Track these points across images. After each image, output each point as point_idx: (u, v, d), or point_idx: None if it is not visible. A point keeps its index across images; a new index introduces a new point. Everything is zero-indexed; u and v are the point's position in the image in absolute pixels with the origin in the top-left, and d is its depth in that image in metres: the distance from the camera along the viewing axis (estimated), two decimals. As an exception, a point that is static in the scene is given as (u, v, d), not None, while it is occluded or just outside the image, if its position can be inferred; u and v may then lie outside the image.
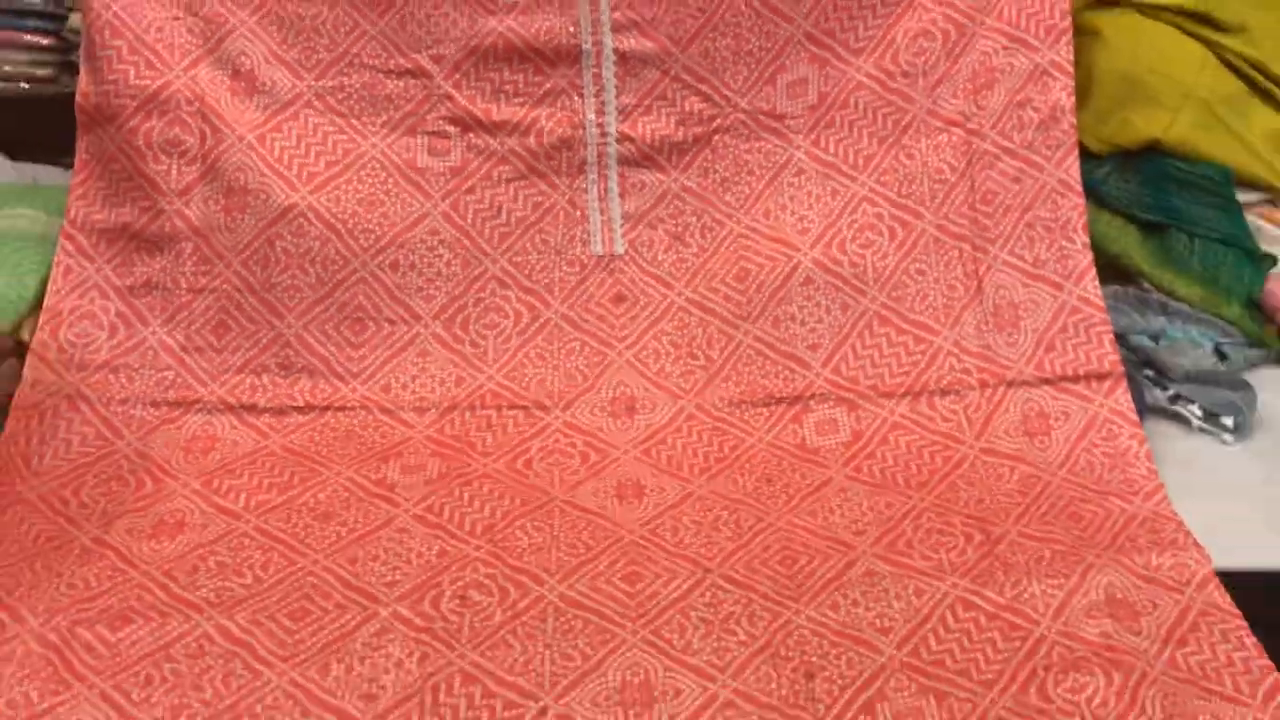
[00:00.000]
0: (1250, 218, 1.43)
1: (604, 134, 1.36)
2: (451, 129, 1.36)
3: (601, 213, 1.40)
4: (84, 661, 0.96)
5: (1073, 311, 1.31)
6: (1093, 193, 1.47)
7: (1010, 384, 1.29)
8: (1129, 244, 1.43)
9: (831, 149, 1.37)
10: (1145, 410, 1.31)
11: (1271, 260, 1.40)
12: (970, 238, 1.33)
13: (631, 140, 1.35)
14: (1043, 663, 0.98)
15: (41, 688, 0.93)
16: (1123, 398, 1.26)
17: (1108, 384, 1.27)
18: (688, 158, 1.37)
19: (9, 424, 1.19)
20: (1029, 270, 1.32)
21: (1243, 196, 1.43)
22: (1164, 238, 1.43)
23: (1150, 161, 1.45)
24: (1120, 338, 1.37)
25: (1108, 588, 1.05)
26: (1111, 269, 1.46)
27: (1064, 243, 1.33)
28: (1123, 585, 1.05)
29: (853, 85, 1.36)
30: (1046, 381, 1.29)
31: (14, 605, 1.00)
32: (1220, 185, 1.42)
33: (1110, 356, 1.28)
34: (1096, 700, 0.95)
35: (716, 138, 1.37)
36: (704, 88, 1.36)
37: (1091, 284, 1.32)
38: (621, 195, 1.38)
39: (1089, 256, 1.32)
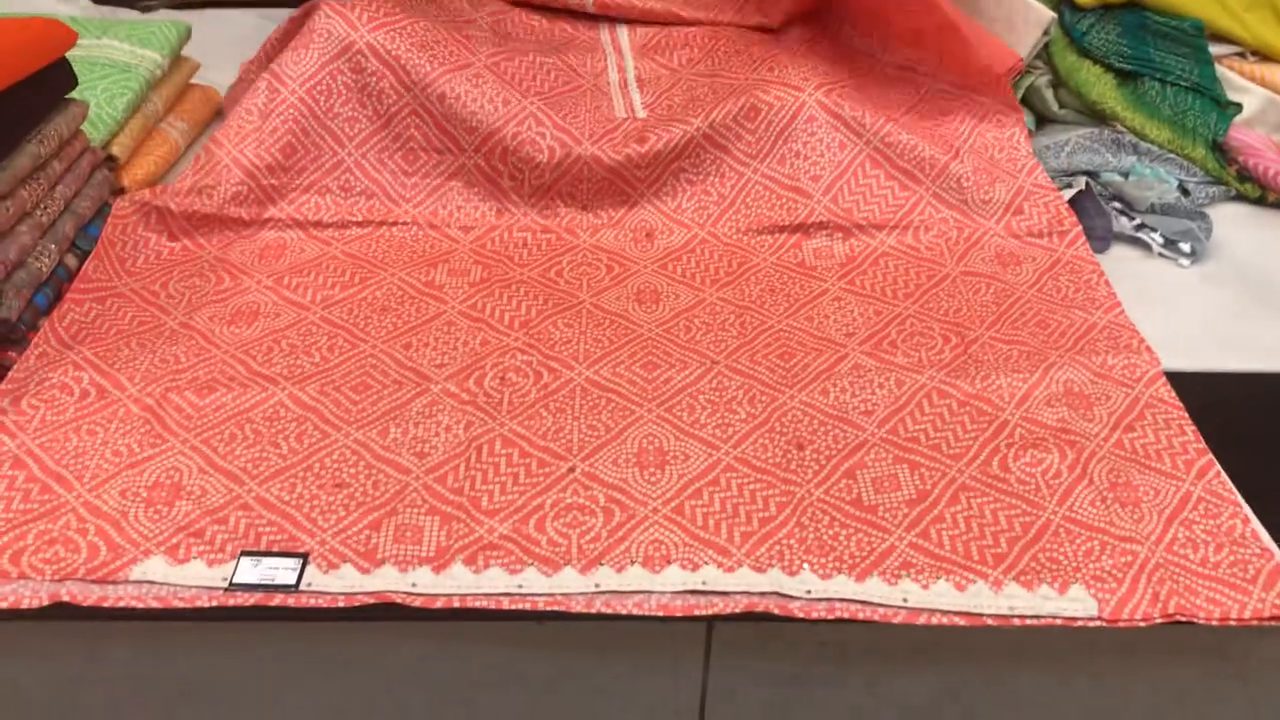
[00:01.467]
0: (1220, 69, 1.43)
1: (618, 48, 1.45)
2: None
3: (621, 87, 1.44)
4: (176, 421, 1.02)
5: (1030, 193, 1.35)
6: (1076, 44, 1.47)
7: (983, 234, 1.32)
8: (1106, 90, 1.44)
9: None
10: (1112, 237, 1.33)
11: (1237, 108, 1.41)
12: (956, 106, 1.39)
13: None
14: (1005, 441, 1.03)
15: (140, 440, 0.99)
16: (1082, 247, 1.30)
17: (1069, 237, 1.31)
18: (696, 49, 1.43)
19: (106, 230, 1.23)
20: (989, 162, 1.38)
21: (1214, 49, 1.43)
22: (1138, 85, 1.44)
23: (1130, 14, 1.45)
24: (1093, 174, 1.40)
25: (1066, 382, 1.09)
26: (1090, 113, 1.47)
27: (1011, 150, 1.40)
28: (1080, 380, 1.10)
29: None
30: (1015, 236, 1.32)
31: (114, 375, 1.06)
32: (1193, 37, 1.42)
33: (1069, 219, 1.33)
34: (1051, 472, 1.00)
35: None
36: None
37: (1041, 175, 1.38)
38: (639, 81, 1.47)
39: (1034, 161, 1.40)
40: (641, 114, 1.43)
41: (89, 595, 0.86)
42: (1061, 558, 0.92)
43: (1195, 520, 0.95)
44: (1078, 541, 0.93)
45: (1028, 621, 0.88)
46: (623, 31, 1.61)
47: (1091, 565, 0.91)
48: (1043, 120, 1.52)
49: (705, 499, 0.96)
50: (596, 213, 1.35)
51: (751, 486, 0.98)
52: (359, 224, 1.31)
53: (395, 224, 1.31)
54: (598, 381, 1.09)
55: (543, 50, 1.51)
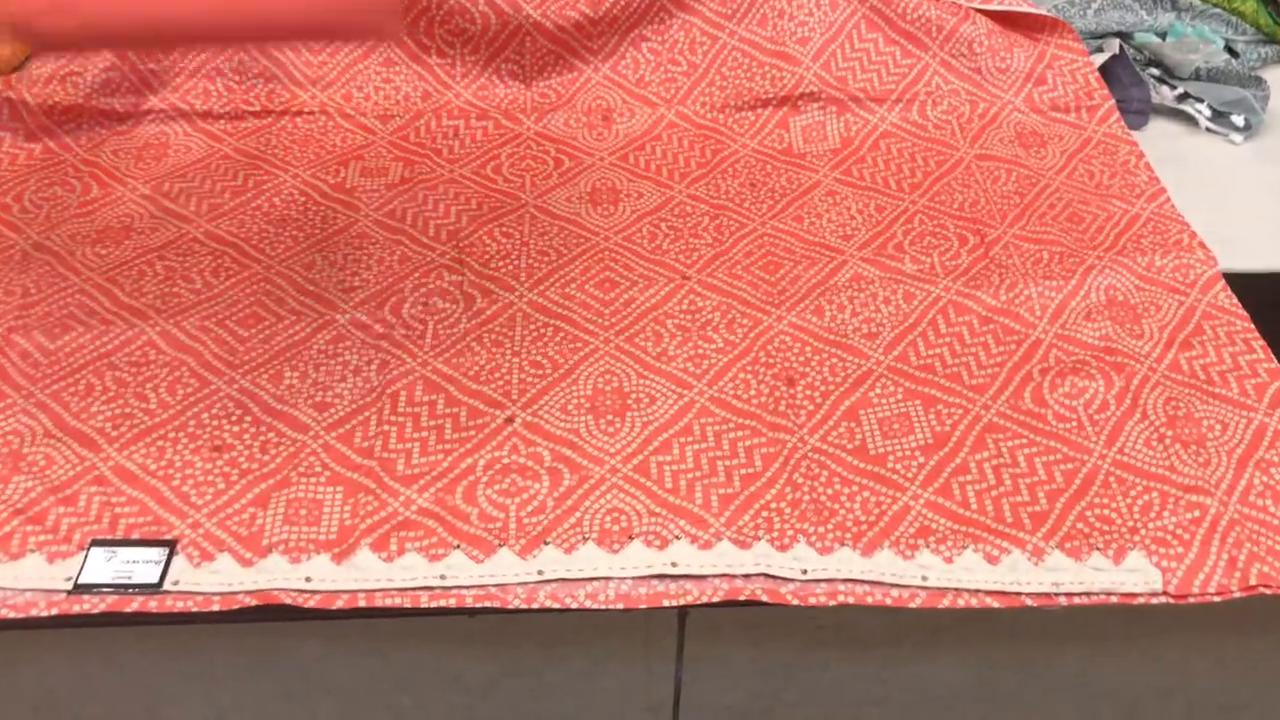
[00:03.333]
0: (1273, -95, 1.22)
1: None
2: None
3: None
4: (21, 371, 0.82)
5: (1053, 59, 1.14)
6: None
7: (1000, 109, 1.12)
8: (1142, -67, 1.22)
9: None
10: (1151, 110, 1.13)
11: (1294, -50, 1.20)
12: None
13: None
14: (1039, 366, 0.85)
15: (-28, 397, 0.80)
16: (1116, 124, 1.11)
17: (1100, 111, 1.11)
18: None
19: (-52, 131, 1.02)
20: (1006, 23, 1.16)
21: (1268, -119, 1.22)
22: (1179, -75, 1.22)
23: None
24: (1125, 35, 1.19)
25: (1108, 289, 0.91)
26: (1122, -38, 1.25)
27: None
28: (1124, 287, 0.91)
29: None
30: (1037, 111, 1.12)
31: (-55, 313, 0.86)
32: None
33: (1099, 91, 1.13)
34: (1095, 404, 0.82)
35: None
36: None
37: (1068, 37, 1.16)
38: None
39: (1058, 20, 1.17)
40: None
41: (-107, 603, 0.68)
42: (1114, 516, 0.75)
43: (1274, 461, 0.78)
44: (1133, 494, 0.76)
45: (1076, 601, 0.71)
46: None
47: (1151, 525, 0.74)
48: (1066, -29, 1.30)
49: (675, 453, 0.78)
50: (542, 91, 1.13)
51: (732, 435, 0.79)
52: (256, 114, 1.09)
53: (300, 113, 1.09)
54: (543, 306, 0.90)
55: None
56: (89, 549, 0.70)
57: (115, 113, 1.06)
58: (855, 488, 0.76)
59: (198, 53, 1.09)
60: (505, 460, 0.77)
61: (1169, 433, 0.80)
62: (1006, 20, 1.16)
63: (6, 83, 1.04)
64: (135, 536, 0.71)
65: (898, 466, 0.78)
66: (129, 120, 1.07)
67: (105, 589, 0.69)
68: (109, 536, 0.71)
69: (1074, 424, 0.80)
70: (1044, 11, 1.16)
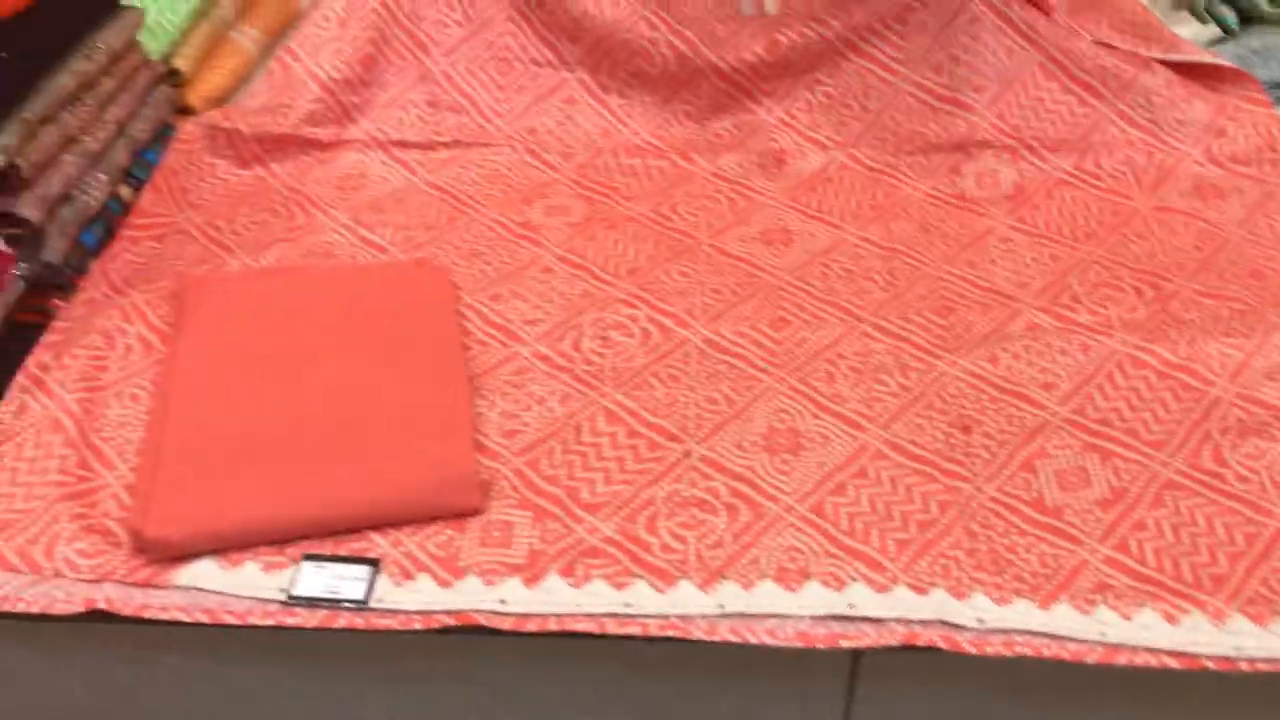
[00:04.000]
0: None
1: None
2: None
3: None
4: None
5: (1235, 111, 1.12)
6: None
7: (1179, 160, 1.11)
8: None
9: None
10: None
11: None
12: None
13: None
14: (1218, 425, 0.84)
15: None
16: None
17: None
18: None
19: (168, 157, 1.10)
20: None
21: None
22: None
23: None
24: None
25: (1293, 349, 0.90)
26: None
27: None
28: (1311, 346, 0.90)
29: None
30: (1216, 163, 1.10)
31: (164, 329, 0.93)
32: None
33: None
34: (1278, 467, 0.81)
35: None
36: None
37: (1250, 88, 1.15)
38: None
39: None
40: (772, 10, 1.21)
41: (129, 602, 0.73)
42: (1299, 581, 0.74)
43: None
44: (1319, 560, 0.75)
45: (1260, 667, 0.70)
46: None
47: (1338, 593, 0.73)
48: (1248, 19, 1.28)
49: (850, 495, 0.80)
50: (716, 131, 1.16)
51: (907, 480, 0.81)
52: (446, 145, 1.15)
53: (487, 145, 1.15)
54: (717, 343, 0.92)
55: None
56: (302, 562, 0.75)
57: (320, 142, 1.13)
58: (1032, 539, 0.77)
59: (394, 84, 1.15)
60: (684, 493, 0.80)
61: (1358, 499, 0.78)
62: (1186, 71, 1.15)
63: (224, 113, 1.11)
64: (343, 553, 0.76)
65: (1075, 520, 0.78)
66: (331, 149, 1.13)
67: (317, 603, 0.73)
68: (320, 552, 0.76)
69: (1256, 486, 0.80)
70: (1225, 62, 1.15)
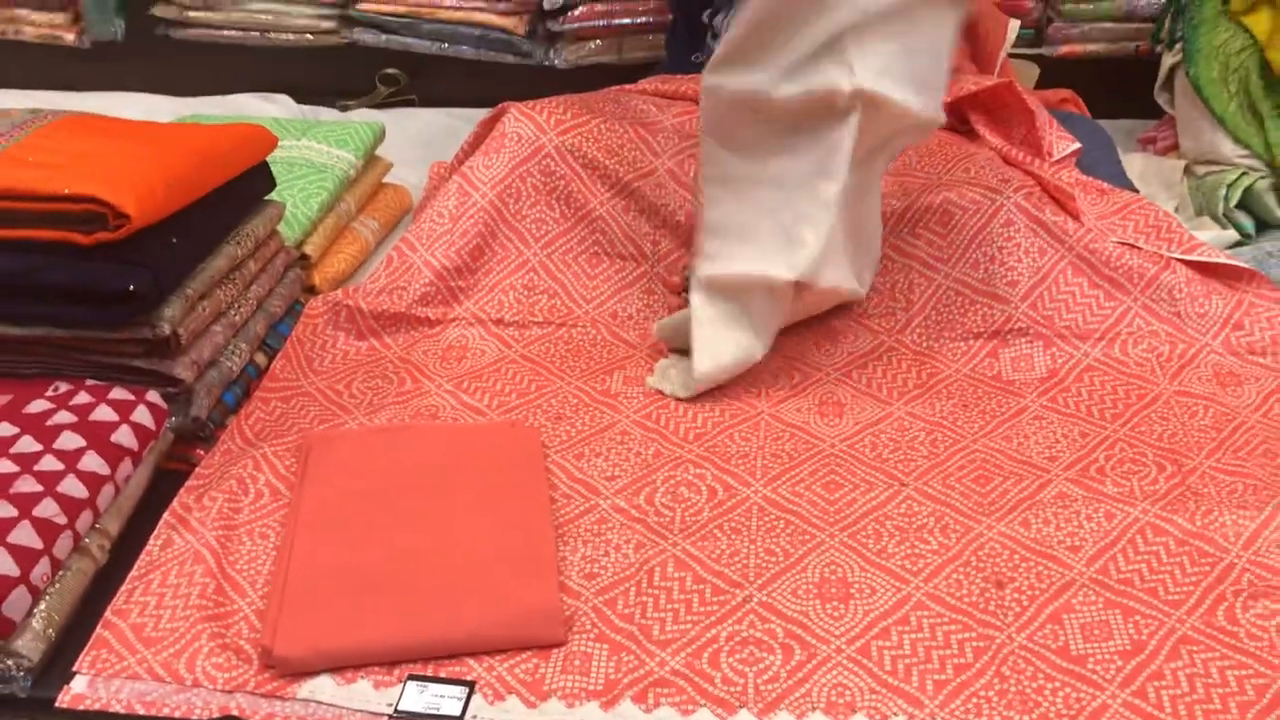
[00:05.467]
0: None
1: None
2: None
3: None
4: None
5: (1251, 306, 1.23)
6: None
7: (1199, 350, 1.21)
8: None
9: None
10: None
11: None
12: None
13: None
14: (1232, 588, 0.91)
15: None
16: None
17: None
18: None
19: (297, 329, 1.25)
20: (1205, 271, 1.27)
21: None
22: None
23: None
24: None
25: (1302, 522, 0.97)
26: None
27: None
28: (1318, 520, 0.97)
29: None
30: (1234, 353, 1.20)
31: (289, 478, 1.05)
32: None
33: None
34: (1288, 626, 0.88)
35: None
36: None
37: (1266, 286, 1.25)
38: None
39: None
40: None
41: (258, 710, 0.84)
42: (1304, 731, 0.80)
43: None
44: (1323, 712, 0.81)
45: (1266, 807, 0.76)
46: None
47: (1342, 743, 0.79)
48: (1264, 225, 1.39)
49: (894, 640, 0.88)
50: (778, 317, 1.29)
51: (945, 628, 0.89)
52: (539, 324, 1.28)
53: (575, 325, 1.28)
54: (775, 501, 1.02)
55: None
56: (406, 682, 0.85)
57: (429, 320, 1.27)
58: (1058, 684, 0.84)
59: (496, 270, 1.30)
60: (744, 633, 0.89)
61: (1361, 658, 0.85)
62: (1206, 270, 1.26)
63: (346, 293, 1.26)
64: (442, 675, 0.86)
65: (1097, 668, 0.85)
66: (438, 325, 1.28)
67: (419, 717, 0.83)
68: (423, 674, 0.86)
69: (1265, 643, 0.86)
70: (1241, 263, 1.26)
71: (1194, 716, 0.81)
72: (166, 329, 1.02)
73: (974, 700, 0.83)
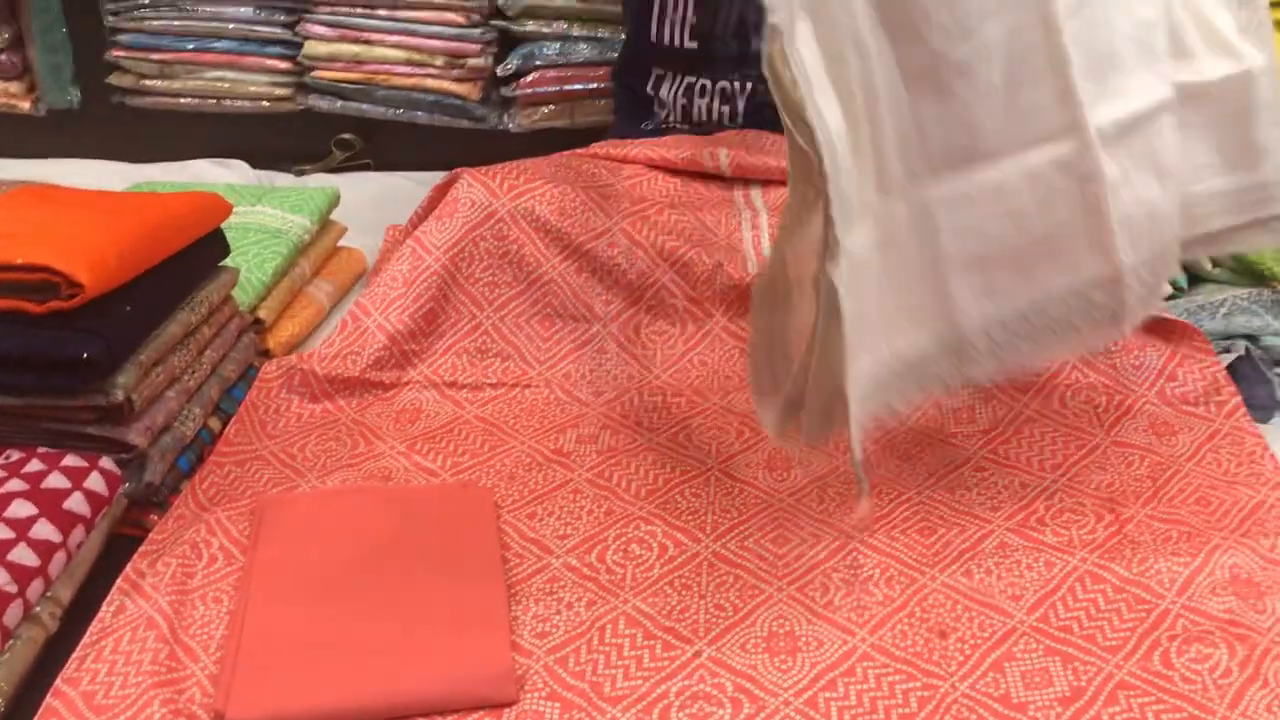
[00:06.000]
0: (1387, 226, 1.34)
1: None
2: None
3: (755, 245, 1.42)
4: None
5: (1185, 358, 1.27)
6: (1228, 201, 1.40)
7: (1134, 401, 1.24)
8: (1265, 249, 1.36)
9: None
10: (1276, 406, 1.24)
11: None
12: None
13: None
14: (1167, 633, 0.94)
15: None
16: (1243, 418, 1.21)
17: (1228, 406, 1.23)
18: None
19: (251, 393, 1.26)
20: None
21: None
22: (1298, 243, 1.35)
23: (1286, 170, 1.37)
24: (1253, 338, 1.31)
25: (1233, 567, 1.00)
26: (1247, 273, 1.39)
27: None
28: (1248, 565, 1.00)
29: None
30: (1168, 404, 1.24)
31: (243, 541, 1.05)
32: (1358, 194, 1.33)
33: (1227, 388, 1.24)
34: (1219, 670, 0.90)
35: None
36: None
37: (1197, 339, 1.30)
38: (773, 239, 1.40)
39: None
40: None
41: (208, 775, 0.84)
42: (1236, 772, 0.82)
43: (1392, 732, 0.85)
44: (1256, 753, 0.84)
45: (1201, 845, 0.78)
46: (756, 191, 1.60)
47: (1270, 783, 0.82)
48: (1196, 279, 1.44)
49: (840, 691, 0.90)
50: (726, 374, 1.32)
51: (891, 679, 0.91)
52: (492, 385, 1.30)
53: (529, 386, 1.30)
54: (725, 556, 1.04)
55: (676, 208, 1.50)
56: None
57: (383, 383, 1.29)
58: (1000, 731, 0.86)
59: (449, 334, 1.32)
60: (694, 688, 0.90)
61: (1289, 700, 0.88)
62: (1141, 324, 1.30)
63: (300, 357, 1.28)
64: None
65: (1038, 714, 0.87)
66: (392, 389, 1.29)
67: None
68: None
69: (1199, 686, 0.89)
70: (1175, 317, 1.30)
71: (1131, 760, 0.84)
72: (120, 395, 1.03)
73: (918, 749, 0.85)
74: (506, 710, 0.88)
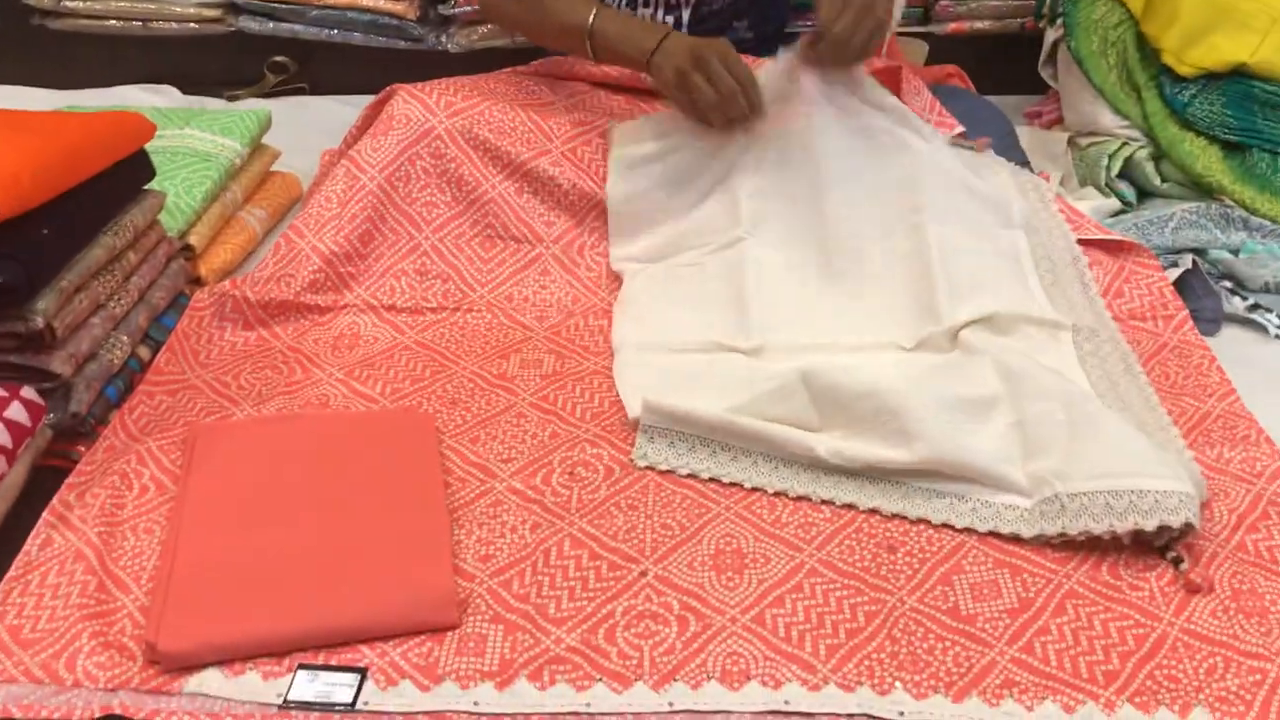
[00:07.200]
0: (1335, 138, 1.34)
1: None
2: None
3: None
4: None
5: (1131, 274, 1.27)
6: (1178, 114, 1.39)
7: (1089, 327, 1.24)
8: (1212, 163, 1.36)
9: None
10: (1223, 318, 1.24)
11: (1354, 178, 1.32)
12: None
13: None
14: (1115, 545, 0.94)
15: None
16: (1190, 331, 1.21)
17: (1175, 320, 1.23)
18: None
19: (182, 321, 1.22)
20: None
21: (1327, 118, 1.35)
22: (1246, 156, 1.35)
23: (1235, 84, 1.37)
24: (1200, 251, 1.31)
25: (1180, 477, 1.00)
26: (1195, 187, 1.38)
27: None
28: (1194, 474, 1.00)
29: None
30: (1118, 319, 1.23)
31: (175, 471, 1.02)
32: (1304, 106, 1.33)
33: (1173, 302, 1.24)
34: (1166, 578, 0.91)
35: None
36: None
37: (1144, 253, 1.28)
38: None
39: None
40: None
41: (142, 707, 0.82)
42: (1181, 675, 0.83)
43: (1332, 633, 0.85)
44: (1198, 657, 0.84)
45: (1145, 750, 0.78)
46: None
47: (1215, 685, 0.82)
48: (1144, 194, 1.43)
49: (788, 607, 0.89)
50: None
51: (838, 594, 0.90)
52: (433, 309, 1.27)
53: (470, 310, 1.27)
54: (672, 475, 1.03)
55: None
56: (296, 671, 0.84)
57: (319, 307, 1.25)
58: (948, 643, 0.86)
59: (387, 256, 1.28)
60: (640, 608, 0.89)
61: (1234, 605, 0.88)
62: (1088, 241, 1.29)
63: (232, 283, 1.24)
64: (334, 663, 0.85)
65: (986, 626, 0.87)
66: (328, 313, 1.25)
67: (309, 706, 0.82)
68: (313, 662, 0.85)
69: (1146, 594, 0.89)
70: (1120, 236, 1.29)
71: (1078, 667, 0.84)
72: (40, 322, 1.00)
73: (866, 663, 0.84)
74: (449, 634, 0.87)
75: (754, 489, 1.01)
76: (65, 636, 0.86)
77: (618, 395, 1.14)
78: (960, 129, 1.38)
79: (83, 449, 1.05)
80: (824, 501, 0.99)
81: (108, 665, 0.84)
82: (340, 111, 1.78)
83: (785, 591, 0.90)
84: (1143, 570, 0.92)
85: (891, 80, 1.37)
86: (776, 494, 1.00)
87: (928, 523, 0.97)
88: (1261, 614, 0.87)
